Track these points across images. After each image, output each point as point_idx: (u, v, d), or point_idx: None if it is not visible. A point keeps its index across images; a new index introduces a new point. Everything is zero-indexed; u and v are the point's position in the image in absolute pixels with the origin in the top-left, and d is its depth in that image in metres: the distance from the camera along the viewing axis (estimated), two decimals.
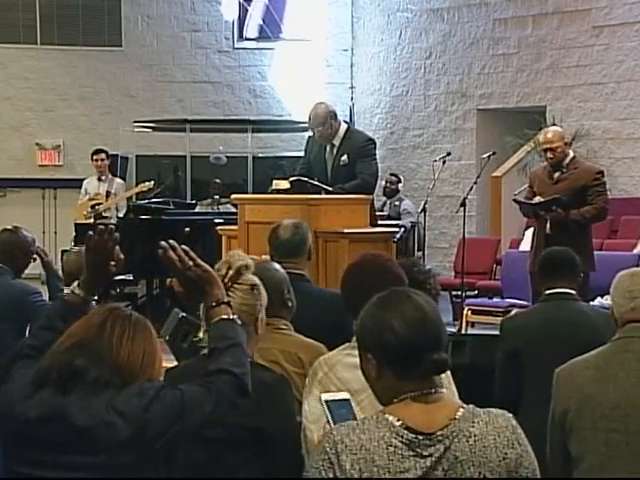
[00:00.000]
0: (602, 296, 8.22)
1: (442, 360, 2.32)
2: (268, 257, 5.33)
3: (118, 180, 11.88)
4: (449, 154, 11.01)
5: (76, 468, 2.44)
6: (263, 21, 15.55)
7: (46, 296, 5.66)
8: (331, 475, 2.24)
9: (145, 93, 15.41)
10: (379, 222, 7.39)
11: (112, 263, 2.87)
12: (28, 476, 2.49)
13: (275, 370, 3.40)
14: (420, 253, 11.36)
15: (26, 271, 5.69)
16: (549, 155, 7.36)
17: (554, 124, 11.40)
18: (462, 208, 9.61)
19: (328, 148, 7.02)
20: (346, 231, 6.15)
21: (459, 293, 10.17)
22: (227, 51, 15.66)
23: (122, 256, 2.88)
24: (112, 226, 2.90)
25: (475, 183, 10.15)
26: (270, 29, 15.50)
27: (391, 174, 12.48)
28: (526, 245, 9.39)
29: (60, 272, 5.77)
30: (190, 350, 3.87)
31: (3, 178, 14.96)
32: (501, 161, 12.39)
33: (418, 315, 2.34)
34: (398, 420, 2.27)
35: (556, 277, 4.78)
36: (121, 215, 11.06)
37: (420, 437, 2.25)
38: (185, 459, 2.92)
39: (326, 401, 2.79)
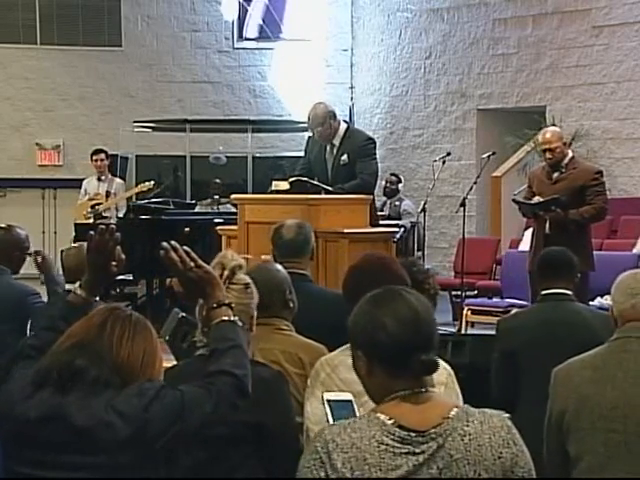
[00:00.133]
0: (602, 296, 8.23)
1: (430, 361, 2.31)
2: (269, 257, 5.34)
3: (118, 180, 11.88)
4: (449, 154, 11.02)
5: (76, 468, 2.44)
6: (263, 21, 15.55)
7: (45, 298, 5.65)
8: (322, 474, 2.24)
9: (145, 93, 15.42)
10: (380, 222, 7.40)
11: (113, 263, 2.87)
12: (28, 476, 2.49)
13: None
14: (420, 253, 11.36)
15: (25, 271, 5.69)
16: (548, 155, 7.37)
17: (554, 124, 11.41)
18: (462, 208, 9.62)
19: (328, 148, 7.02)
20: (346, 231, 6.15)
21: (459, 293, 10.17)
22: (227, 51, 15.66)
23: (123, 256, 2.89)
24: (113, 226, 2.90)
25: (475, 183, 10.16)
26: (270, 29, 15.50)
27: (391, 174, 12.48)
28: (525, 245, 9.39)
29: (60, 272, 5.77)
30: (190, 350, 3.86)
31: (3, 178, 14.97)
32: (501, 161, 12.40)
33: (410, 314, 2.34)
34: (390, 419, 2.27)
35: (553, 277, 4.79)
36: (121, 215, 11.06)
37: (412, 434, 2.25)
38: (186, 458, 2.93)
39: (328, 400, 2.79)
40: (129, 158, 15.06)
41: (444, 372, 3.12)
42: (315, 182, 6.80)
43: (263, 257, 5.62)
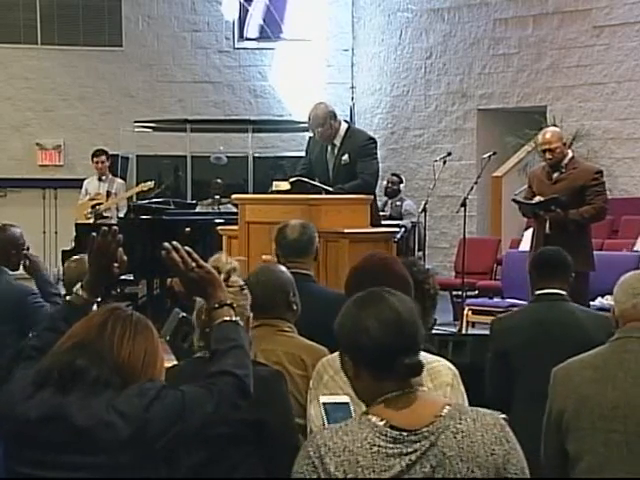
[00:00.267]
0: (602, 296, 8.24)
1: (414, 364, 2.32)
2: (269, 257, 5.34)
3: (118, 180, 11.89)
4: (449, 154, 11.02)
5: (76, 468, 2.44)
6: (263, 21, 15.56)
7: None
8: (315, 477, 2.25)
9: (145, 93, 15.42)
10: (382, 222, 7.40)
11: (115, 265, 2.88)
12: (28, 476, 2.50)
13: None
14: (420, 253, 11.36)
15: (22, 272, 5.69)
16: (548, 156, 7.36)
17: (555, 124, 11.41)
18: (462, 208, 9.62)
19: (329, 148, 7.02)
20: (346, 231, 6.14)
21: (459, 293, 10.17)
22: (227, 51, 15.66)
23: (125, 258, 2.89)
24: (115, 227, 2.90)
25: (475, 183, 10.16)
26: (270, 29, 15.51)
27: (393, 174, 12.48)
28: (525, 245, 9.40)
29: (49, 276, 5.79)
30: (190, 350, 3.87)
31: (3, 178, 14.97)
32: (501, 161, 12.40)
33: (392, 316, 2.34)
34: (381, 420, 2.28)
35: (548, 277, 4.80)
36: (121, 215, 11.06)
37: (405, 434, 2.26)
38: (186, 458, 2.93)
39: (324, 403, 2.79)
40: (130, 158, 15.06)
41: (449, 373, 3.11)
42: (315, 182, 6.79)
43: (264, 257, 5.62)
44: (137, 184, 12.65)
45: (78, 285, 2.89)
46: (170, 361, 3.54)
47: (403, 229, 10.25)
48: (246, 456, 3.15)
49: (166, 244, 2.77)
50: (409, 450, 2.24)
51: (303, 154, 7.43)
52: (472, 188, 10.11)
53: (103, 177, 11.51)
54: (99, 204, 11.30)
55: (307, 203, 6.31)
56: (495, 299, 10.17)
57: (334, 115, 6.99)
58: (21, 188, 15.14)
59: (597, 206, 7.26)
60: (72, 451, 2.44)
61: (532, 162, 11.65)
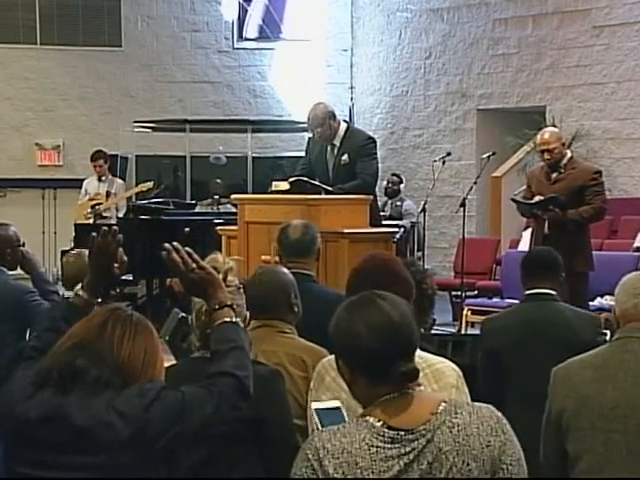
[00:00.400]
0: (602, 296, 8.24)
1: (410, 371, 2.32)
2: (268, 257, 5.34)
3: (118, 180, 11.90)
4: (449, 154, 11.02)
5: (76, 468, 2.45)
6: (263, 21, 15.56)
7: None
8: (314, 479, 2.25)
9: (145, 93, 15.42)
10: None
11: (116, 265, 2.88)
12: (28, 476, 2.50)
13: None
14: (420, 253, 11.37)
15: (19, 270, 5.69)
16: (546, 156, 7.35)
17: (554, 124, 11.42)
18: (462, 208, 9.62)
19: (329, 148, 7.02)
20: (346, 231, 6.15)
21: (459, 293, 10.17)
22: (227, 51, 15.66)
23: (125, 258, 2.89)
24: (116, 228, 2.90)
25: (475, 183, 10.16)
26: (270, 29, 15.51)
27: (393, 174, 12.48)
28: (524, 245, 9.39)
29: (46, 274, 5.79)
30: (190, 350, 3.87)
31: (3, 178, 14.97)
32: (501, 161, 12.40)
33: (384, 321, 2.33)
34: (379, 421, 2.28)
35: (538, 277, 4.81)
36: (121, 215, 11.08)
37: (402, 433, 2.26)
38: (186, 457, 2.93)
39: (317, 409, 2.79)
40: (129, 158, 15.06)
41: (454, 374, 3.10)
42: (315, 182, 6.79)
43: (263, 257, 5.63)
44: (136, 184, 12.66)
45: (79, 286, 2.89)
46: (170, 361, 3.55)
47: (402, 229, 10.25)
48: (245, 455, 3.15)
49: (166, 245, 2.77)
50: (407, 450, 2.25)
51: (303, 154, 7.43)
52: (471, 188, 10.11)
53: (103, 177, 11.52)
54: (99, 204, 11.31)
55: (306, 203, 6.31)
56: (494, 299, 10.16)
57: (333, 115, 6.99)
58: (20, 188, 15.13)
59: (596, 206, 7.26)
60: (72, 451, 2.44)
61: (531, 162, 11.65)
